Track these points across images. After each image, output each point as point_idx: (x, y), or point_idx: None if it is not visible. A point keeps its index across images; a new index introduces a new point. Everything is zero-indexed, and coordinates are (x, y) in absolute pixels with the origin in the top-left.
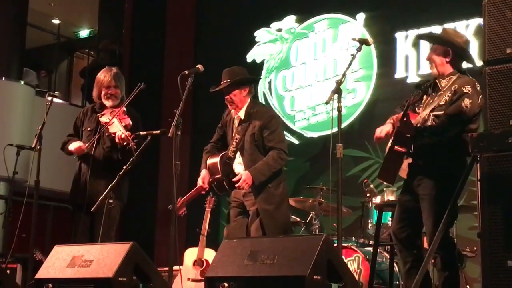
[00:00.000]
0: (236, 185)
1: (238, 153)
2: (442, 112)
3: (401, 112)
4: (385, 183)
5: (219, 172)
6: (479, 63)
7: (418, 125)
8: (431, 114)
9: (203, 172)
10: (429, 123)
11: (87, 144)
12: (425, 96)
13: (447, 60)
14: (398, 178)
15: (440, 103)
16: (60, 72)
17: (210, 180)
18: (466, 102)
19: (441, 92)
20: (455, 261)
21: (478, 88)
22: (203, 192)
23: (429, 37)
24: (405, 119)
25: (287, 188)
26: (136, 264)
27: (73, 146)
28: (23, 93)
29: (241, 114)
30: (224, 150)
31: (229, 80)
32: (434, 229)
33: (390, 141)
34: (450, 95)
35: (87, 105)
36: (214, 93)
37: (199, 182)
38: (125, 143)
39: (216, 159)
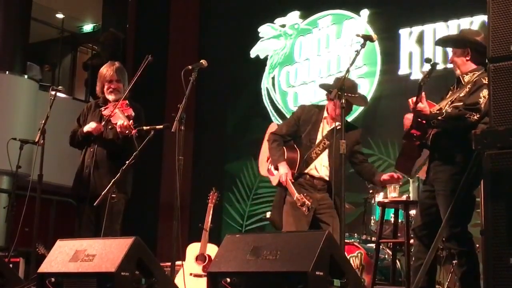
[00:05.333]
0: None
1: (327, 157)
2: (461, 103)
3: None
4: (403, 174)
5: (295, 168)
6: None
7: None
8: (449, 104)
9: (286, 167)
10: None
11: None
12: (450, 93)
13: (467, 58)
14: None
15: (461, 95)
16: (64, 67)
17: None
18: (484, 93)
19: (463, 86)
20: (474, 257)
21: None
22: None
23: (446, 41)
24: (416, 106)
25: None
26: (138, 258)
27: (89, 126)
28: (26, 87)
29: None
30: (290, 145)
31: (357, 95)
32: (447, 224)
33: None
34: (470, 86)
35: (90, 99)
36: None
37: (286, 178)
38: (126, 131)
39: (296, 155)
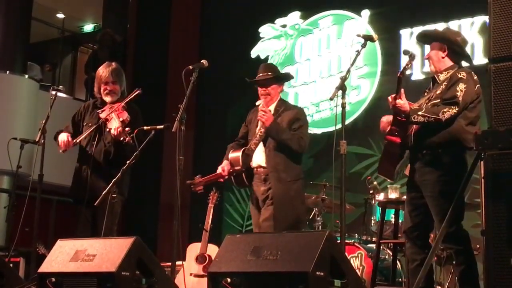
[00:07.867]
0: (259, 115)
1: (261, 144)
2: (439, 100)
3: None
4: (385, 178)
5: (239, 164)
6: (483, 60)
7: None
8: (427, 102)
9: (224, 162)
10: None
11: (77, 139)
12: (425, 94)
13: (443, 56)
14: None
15: (437, 92)
16: (64, 67)
17: (231, 170)
18: (461, 86)
19: (439, 84)
20: (470, 254)
21: (475, 78)
22: (221, 180)
23: (425, 35)
24: (395, 102)
25: (303, 187)
26: (139, 258)
27: (61, 140)
28: (27, 87)
29: (271, 108)
30: (247, 146)
31: (270, 74)
32: (442, 225)
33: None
34: (446, 83)
35: (91, 99)
36: (253, 83)
37: (219, 170)
38: (121, 138)
39: (238, 153)
